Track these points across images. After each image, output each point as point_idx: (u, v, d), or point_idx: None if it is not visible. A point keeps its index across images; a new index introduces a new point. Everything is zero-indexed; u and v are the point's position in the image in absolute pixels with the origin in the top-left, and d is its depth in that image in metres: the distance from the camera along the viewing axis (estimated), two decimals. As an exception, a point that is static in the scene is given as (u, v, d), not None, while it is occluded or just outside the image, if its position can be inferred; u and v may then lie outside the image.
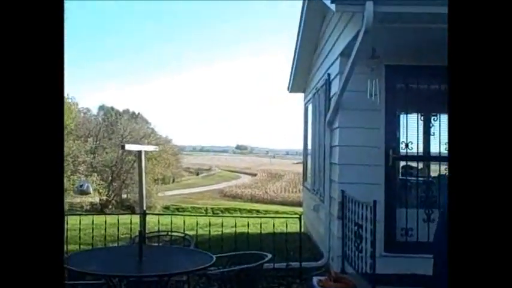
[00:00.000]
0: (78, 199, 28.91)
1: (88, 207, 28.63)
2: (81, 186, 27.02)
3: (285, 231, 7.50)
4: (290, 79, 11.64)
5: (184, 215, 9.00)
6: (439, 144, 6.57)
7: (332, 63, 7.27)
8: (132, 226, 8.37)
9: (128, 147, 9.61)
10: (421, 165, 6.86)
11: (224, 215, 26.13)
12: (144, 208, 8.95)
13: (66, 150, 26.75)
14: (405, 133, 6.63)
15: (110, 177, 32.85)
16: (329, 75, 7.36)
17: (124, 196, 33.38)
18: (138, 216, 8.92)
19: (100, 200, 31.17)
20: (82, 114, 36.58)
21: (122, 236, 8.39)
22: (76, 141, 30.68)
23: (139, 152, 9.26)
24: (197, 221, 8.42)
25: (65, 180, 25.66)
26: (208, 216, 18.05)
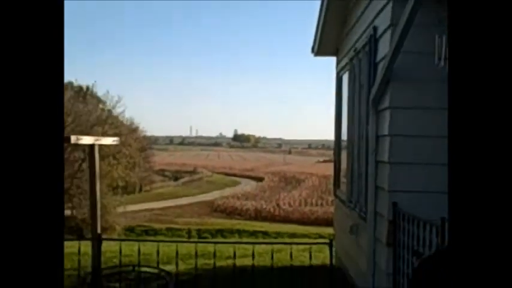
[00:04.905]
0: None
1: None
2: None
3: (307, 263, 5.99)
4: (316, 34, 8.53)
5: (158, 241, 6.75)
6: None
7: (380, 11, 5.44)
8: (81, 258, 6.17)
9: (74, 139, 6.70)
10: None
11: (216, 239, 22.29)
12: (98, 231, 6.73)
13: None
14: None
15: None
16: (375, 29, 5.59)
17: (67, 212, 23.99)
18: (88, 242, 6.76)
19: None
20: None
21: (65, 273, 6.11)
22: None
23: (91, 146, 6.83)
24: (177, 250, 5.96)
25: None
26: (193, 242, 13.93)
